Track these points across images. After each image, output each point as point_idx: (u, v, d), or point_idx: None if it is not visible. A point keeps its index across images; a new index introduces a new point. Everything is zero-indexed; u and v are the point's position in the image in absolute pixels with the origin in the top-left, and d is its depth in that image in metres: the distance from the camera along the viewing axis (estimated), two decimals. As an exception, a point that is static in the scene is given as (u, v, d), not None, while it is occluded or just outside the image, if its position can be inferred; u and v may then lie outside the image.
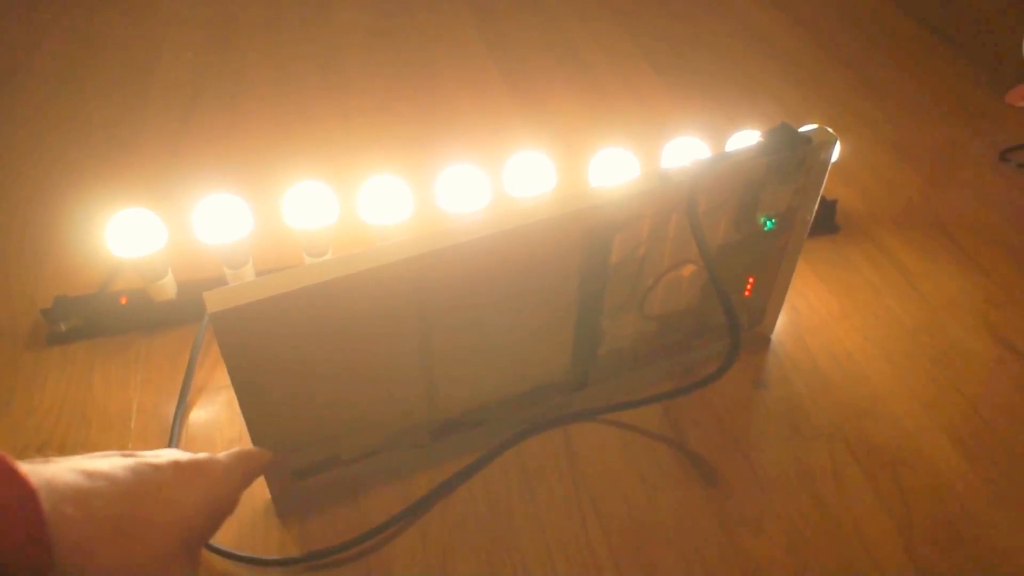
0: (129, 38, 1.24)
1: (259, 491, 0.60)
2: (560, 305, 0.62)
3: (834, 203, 0.87)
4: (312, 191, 0.75)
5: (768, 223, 0.65)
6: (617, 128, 1.06)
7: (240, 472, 0.50)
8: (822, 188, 0.64)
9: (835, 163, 0.94)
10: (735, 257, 0.67)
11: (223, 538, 0.58)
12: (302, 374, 0.55)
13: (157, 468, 0.43)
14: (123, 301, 0.76)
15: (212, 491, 0.45)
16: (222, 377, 0.71)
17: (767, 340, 0.75)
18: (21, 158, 0.99)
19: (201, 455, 0.48)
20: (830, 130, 0.62)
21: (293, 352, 0.54)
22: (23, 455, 0.39)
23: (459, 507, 0.62)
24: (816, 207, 0.65)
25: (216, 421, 0.68)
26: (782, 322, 0.77)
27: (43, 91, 1.12)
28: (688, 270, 0.66)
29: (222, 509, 0.47)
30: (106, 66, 1.17)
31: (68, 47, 1.22)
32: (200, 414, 0.69)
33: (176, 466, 0.45)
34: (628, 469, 0.64)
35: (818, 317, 0.78)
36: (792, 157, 0.60)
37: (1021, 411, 0.69)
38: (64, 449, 0.65)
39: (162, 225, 0.73)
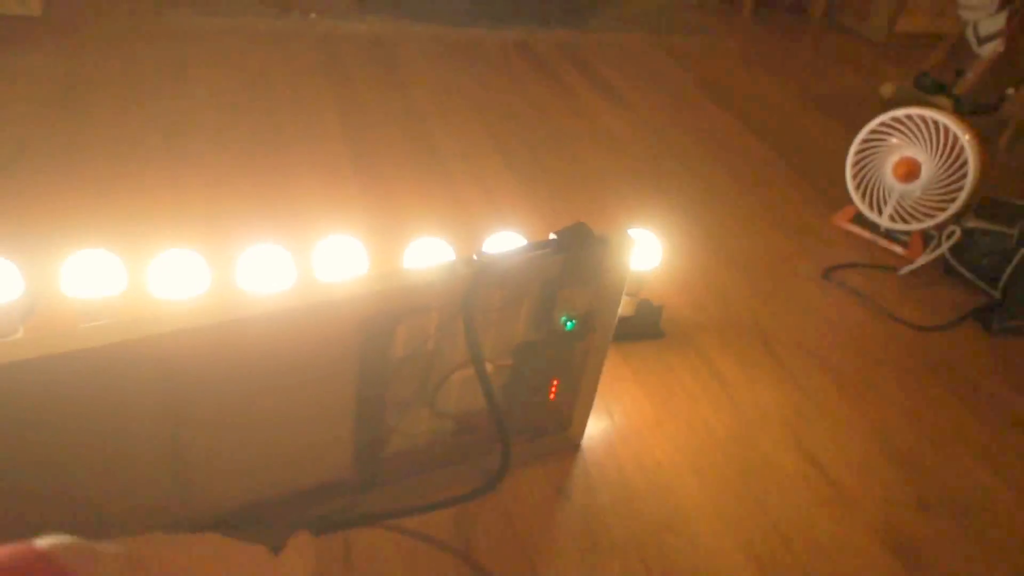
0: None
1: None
2: (337, 396, 0.58)
3: (660, 309, 0.87)
4: (99, 260, 0.69)
5: (569, 323, 0.63)
6: (454, 220, 1.04)
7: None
8: (623, 291, 0.63)
9: (668, 270, 0.95)
10: (537, 357, 0.65)
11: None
12: (22, 463, 0.48)
13: None
14: None
15: None
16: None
17: (576, 445, 0.72)
18: None
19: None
20: (643, 233, 0.61)
21: (8, 438, 0.47)
22: None
23: (207, 623, 0.55)
24: (619, 310, 0.64)
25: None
26: (595, 427, 0.74)
27: None
28: (487, 368, 0.63)
29: None
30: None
31: None
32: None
33: None
34: (406, 582, 0.59)
35: (632, 424, 0.76)
36: (587, 257, 0.59)
37: (819, 528, 0.68)
38: None
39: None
